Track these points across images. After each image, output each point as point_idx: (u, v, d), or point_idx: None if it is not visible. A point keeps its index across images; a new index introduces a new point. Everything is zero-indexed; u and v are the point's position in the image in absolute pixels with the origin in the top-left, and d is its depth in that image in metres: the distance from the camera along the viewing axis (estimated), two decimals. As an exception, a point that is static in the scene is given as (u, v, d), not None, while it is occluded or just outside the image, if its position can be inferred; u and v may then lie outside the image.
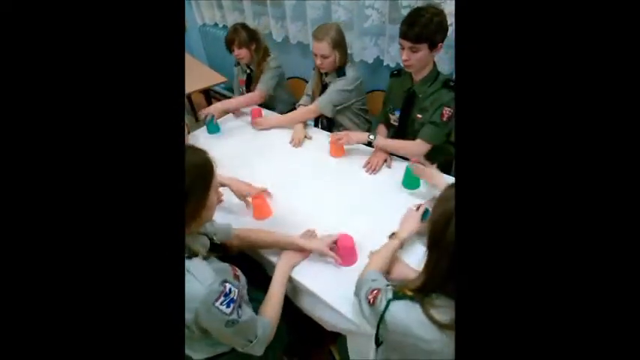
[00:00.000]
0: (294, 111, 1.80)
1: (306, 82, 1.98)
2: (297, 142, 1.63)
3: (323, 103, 1.65)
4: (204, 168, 0.78)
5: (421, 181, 1.29)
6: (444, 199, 0.65)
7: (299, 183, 1.40)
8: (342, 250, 1.02)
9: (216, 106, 1.82)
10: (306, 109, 1.72)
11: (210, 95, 2.52)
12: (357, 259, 1.04)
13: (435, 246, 0.66)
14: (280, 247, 1.07)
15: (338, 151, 1.53)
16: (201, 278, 0.73)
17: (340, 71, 1.64)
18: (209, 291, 0.72)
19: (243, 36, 1.83)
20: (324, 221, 1.19)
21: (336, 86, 1.64)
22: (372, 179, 1.38)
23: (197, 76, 2.44)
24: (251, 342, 0.84)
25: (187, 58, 2.74)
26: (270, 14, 2.39)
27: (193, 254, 0.80)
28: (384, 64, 1.98)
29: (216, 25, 3.00)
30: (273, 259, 1.07)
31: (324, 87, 1.71)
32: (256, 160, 1.55)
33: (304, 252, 1.06)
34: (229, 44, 1.86)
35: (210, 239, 0.93)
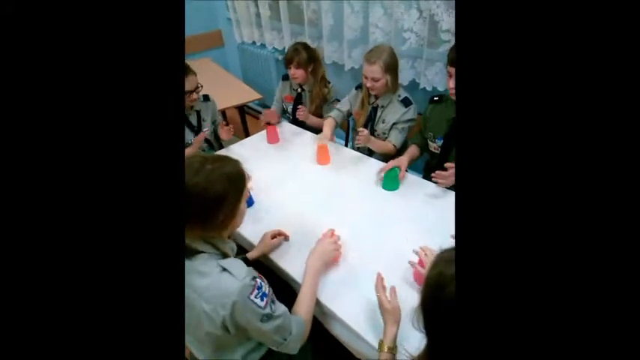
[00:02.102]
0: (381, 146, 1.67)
1: (338, 101, 1.98)
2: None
3: (399, 142, 1.63)
4: (238, 177, 0.84)
5: (399, 183, 1.42)
6: (436, 264, 0.59)
7: (322, 201, 1.41)
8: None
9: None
10: (387, 150, 1.64)
11: (244, 111, 2.57)
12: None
13: (434, 319, 0.57)
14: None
15: (324, 159, 1.60)
16: (237, 273, 0.78)
17: (406, 99, 1.61)
18: (243, 285, 0.77)
19: (303, 57, 1.79)
20: (352, 240, 1.18)
21: (406, 116, 1.61)
22: (396, 199, 1.38)
23: (233, 92, 2.50)
24: (286, 340, 0.85)
25: (224, 74, 2.84)
26: (307, 34, 2.44)
27: (224, 256, 0.84)
28: (420, 87, 1.97)
29: (253, 43, 3.10)
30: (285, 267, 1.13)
31: (374, 109, 1.68)
32: (281, 178, 1.56)
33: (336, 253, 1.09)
34: (288, 63, 1.83)
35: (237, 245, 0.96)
